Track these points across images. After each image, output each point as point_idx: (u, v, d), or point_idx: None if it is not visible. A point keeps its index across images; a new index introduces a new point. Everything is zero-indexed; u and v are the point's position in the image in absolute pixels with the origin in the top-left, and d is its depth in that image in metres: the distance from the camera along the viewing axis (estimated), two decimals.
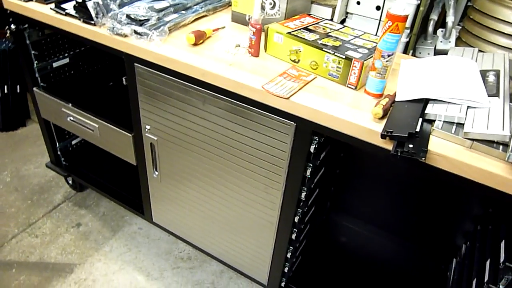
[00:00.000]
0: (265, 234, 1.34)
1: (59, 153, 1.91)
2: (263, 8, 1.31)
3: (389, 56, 0.97)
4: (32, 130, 2.50)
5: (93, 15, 1.26)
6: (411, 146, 0.85)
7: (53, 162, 1.96)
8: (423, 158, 0.83)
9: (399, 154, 0.84)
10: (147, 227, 1.93)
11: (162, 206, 1.62)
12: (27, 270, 1.70)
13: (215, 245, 1.55)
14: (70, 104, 1.56)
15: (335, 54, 1.06)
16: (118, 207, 2.02)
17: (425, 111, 0.94)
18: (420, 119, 0.93)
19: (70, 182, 2.07)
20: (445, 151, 0.87)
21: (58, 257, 1.77)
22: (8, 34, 1.53)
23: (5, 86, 2.37)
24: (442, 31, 1.51)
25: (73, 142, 1.98)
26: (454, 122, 0.92)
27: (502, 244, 1.09)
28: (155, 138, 1.40)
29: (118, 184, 1.86)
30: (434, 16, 1.49)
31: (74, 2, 1.31)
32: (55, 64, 1.71)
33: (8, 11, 1.47)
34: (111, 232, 1.90)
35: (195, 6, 1.42)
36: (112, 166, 1.93)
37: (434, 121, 0.94)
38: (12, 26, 1.50)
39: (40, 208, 1.99)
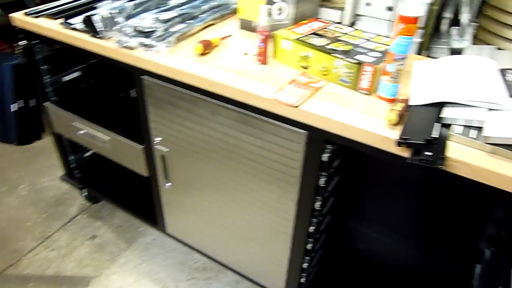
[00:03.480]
0: (280, 244, 1.31)
1: (72, 166, 1.92)
2: (270, 14, 1.29)
3: (402, 59, 0.93)
4: (47, 143, 2.53)
5: (100, 29, 1.26)
6: (428, 153, 0.81)
7: (67, 175, 1.97)
8: (441, 166, 0.79)
9: (416, 162, 0.80)
10: (162, 237, 1.92)
11: (175, 217, 1.61)
12: (44, 284, 1.70)
13: (230, 255, 1.53)
14: (82, 118, 1.56)
15: (346, 59, 1.03)
16: (133, 218, 2.01)
17: (442, 115, 0.90)
18: (437, 124, 0.89)
19: (84, 194, 2.08)
20: (464, 157, 0.83)
21: (74, 270, 1.77)
22: (19, 50, 1.55)
23: (20, 101, 2.40)
24: (457, 29, 1.46)
25: (87, 155, 1.98)
26: (473, 126, 0.88)
27: None
28: (166, 150, 1.39)
29: (132, 195, 1.85)
30: (447, 14, 1.45)
31: (82, 17, 1.31)
32: (66, 78, 1.72)
33: (17, 28, 1.49)
34: (126, 243, 1.90)
35: (202, 15, 1.41)
36: (125, 177, 1.93)
37: (451, 125, 0.90)
38: (23, 42, 1.51)
39: (56, 221, 2.00)
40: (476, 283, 1.44)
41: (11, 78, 2.34)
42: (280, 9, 1.27)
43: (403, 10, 0.88)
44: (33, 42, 1.53)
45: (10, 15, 1.47)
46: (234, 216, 1.38)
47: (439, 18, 1.43)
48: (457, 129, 0.88)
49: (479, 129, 0.87)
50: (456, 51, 1.45)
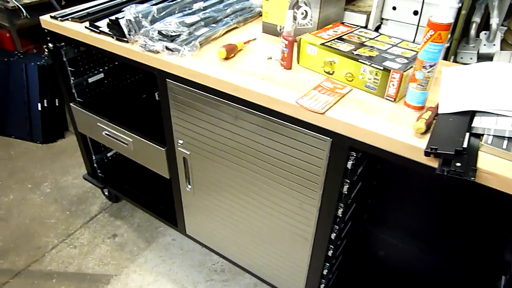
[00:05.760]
0: (300, 250, 1.31)
1: (95, 165, 1.95)
2: (294, 18, 1.28)
3: (431, 66, 0.91)
4: (70, 142, 2.58)
5: (126, 32, 1.27)
6: (458, 164, 0.79)
7: (89, 174, 2.01)
8: (472, 178, 0.77)
9: (445, 173, 0.79)
10: (181, 238, 1.93)
11: (195, 218, 1.61)
12: (66, 281, 1.74)
13: (249, 259, 1.53)
14: (105, 119, 1.59)
15: (372, 65, 1.02)
16: (153, 218, 2.03)
17: (472, 125, 0.88)
18: (467, 134, 0.87)
19: (106, 193, 2.11)
20: (496, 168, 0.81)
21: (95, 268, 1.80)
22: (46, 52, 1.58)
23: (45, 100, 2.46)
24: (485, 33, 1.43)
25: (109, 154, 2.01)
26: (505, 137, 0.85)
27: None
28: (188, 153, 1.39)
29: (152, 195, 1.87)
30: (476, 19, 1.41)
31: (107, 20, 1.33)
32: (90, 80, 1.75)
33: (46, 30, 1.52)
34: (146, 243, 1.92)
35: (226, 19, 1.41)
36: (146, 177, 1.95)
37: (482, 135, 0.87)
38: (50, 45, 1.54)
39: (78, 219, 2.04)
40: None
41: (37, 78, 2.40)
42: (304, 13, 1.26)
43: (434, 17, 0.86)
44: (60, 44, 1.56)
45: (40, 17, 1.50)
46: (253, 220, 1.38)
47: (467, 23, 1.40)
48: (488, 140, 0.85)
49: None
50: (484, 56, 1.41)
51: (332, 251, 1.26)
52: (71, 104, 1.70)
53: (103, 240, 1.93)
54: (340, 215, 1.16)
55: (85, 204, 2.13)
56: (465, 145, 0.83)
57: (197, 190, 1.49)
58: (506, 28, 1.44)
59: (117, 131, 1.58)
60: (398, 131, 0.91)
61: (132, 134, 1.53)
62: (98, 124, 1.63)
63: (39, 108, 2.46)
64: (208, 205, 1.50)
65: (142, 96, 2.05)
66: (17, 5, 2.29)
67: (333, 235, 1.20)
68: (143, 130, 1.55)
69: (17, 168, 2.36)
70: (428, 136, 0.88)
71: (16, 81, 2.44)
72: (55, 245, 1.90)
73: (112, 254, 1.86)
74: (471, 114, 0.91)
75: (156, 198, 1.86)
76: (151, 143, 1.48)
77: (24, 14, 2.31)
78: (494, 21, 1.37)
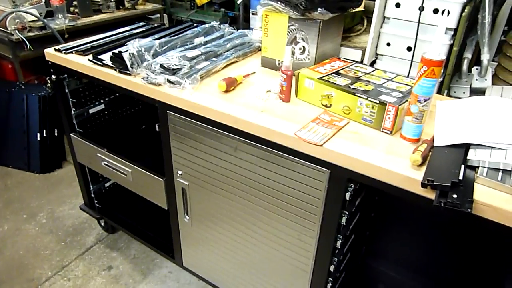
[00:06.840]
0: (298, 283, 1.29)
1: (92, 195, 1.94)
2: (293, 53, 1.32)
3: (425, 100, 0.94)
4: (68, 172, 2.58)
5: (129, 65, 1.31)
6: (455, 196, 0.80)
7: (86, 205, 2.00)
8: (469, 210, 0.78)
9: (442, 205, 0.80)
10: (177, 270, 1.90)
11: (192, 250, 1.60)
12: None
13: None
14: (105, 150, 1.60)
15: (369, 99, 1.05)
16: (149, 250, 2.01)
17: (467, 157, 0.90)
18: (463, 166, 0.88)
19: (102, 224, 2.09)
20: (492, 200, 0.82)
21: None
22: (49, 84, 1.61)
23: (44, 130, 2.48)
24: (477, 69, 1.48)
25: (106, 185, 2.01)
26: (499, 169, 0.87)
27: None
28: (187, 183, 1.40)
29: (149, 227, 1.86)
30: (468, 55, 1.46)
31: (110, 53, 1.37)
32: (91, 111, 1.77)
33: (50, 62, 1.55)
34: (141, 275, 1.88)
35: (226, 53, 1.46)
36: (143, 208, 1.94)
37: (477, 167, 0.89)
38: (53, 76, 1.58)
39: (73, 250, 2.01)
40: None
41: (37, 108, 2.42)
42: (302, 49, 1.30)
43: (427, 53, 0.90)
44: (63, 76, 1.59)
45: (45, 50, 1.54)
46: (252, 252, 1.37)
47: (459, 58, 1.45)
48: (483, 172, 0.87)
49: (507, 171, 0.86)
50: (477, 91, 1.45)
51: (331, 284, 1.25)
52: (71, 134, 1.71)
53: (98, 272, 1.89)
54: (339, 247, 1.15)
55: (81, 235, 2.10)
56: (461, 177, 0.85)
57: (195, 221, 1.49)
58: (496, 63, 1.50)
59: (116, 162, 1.59)
60: (395, 163, 0.93)
61: (131, 165, 1.54)
62: (98, 154, 1.64)
63: (38, 138, 2.47)
64: (206, 237, 1.49)
65: (141, 127, 2.07)
66: (21, 38, 2.34)
67: (332, 267, 1.20)
68: (142, 160, 1.56)
69: (13, 198, 2.34)
70: (424, 168, 0.90)
71: (16, 111, 2.47)
72: (49, 277, 1.86)
73: (107, 287, 1.82)
74: (466, 147, 0.93)
75: (153, 229, 1.84)
76: (150, 174, 1.49)
77: (28, 47, 2.36)
78: (485, 57, 1.42)
